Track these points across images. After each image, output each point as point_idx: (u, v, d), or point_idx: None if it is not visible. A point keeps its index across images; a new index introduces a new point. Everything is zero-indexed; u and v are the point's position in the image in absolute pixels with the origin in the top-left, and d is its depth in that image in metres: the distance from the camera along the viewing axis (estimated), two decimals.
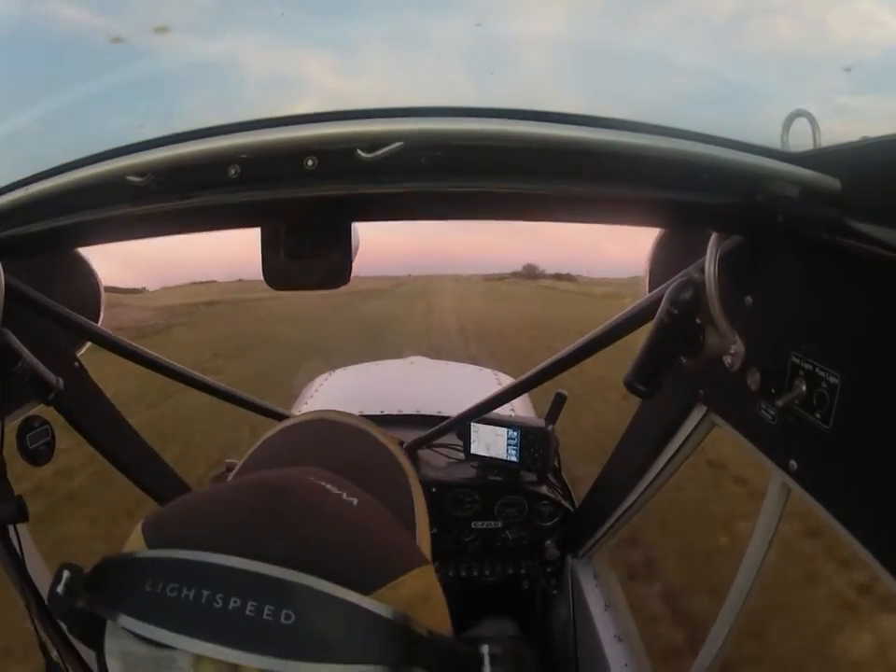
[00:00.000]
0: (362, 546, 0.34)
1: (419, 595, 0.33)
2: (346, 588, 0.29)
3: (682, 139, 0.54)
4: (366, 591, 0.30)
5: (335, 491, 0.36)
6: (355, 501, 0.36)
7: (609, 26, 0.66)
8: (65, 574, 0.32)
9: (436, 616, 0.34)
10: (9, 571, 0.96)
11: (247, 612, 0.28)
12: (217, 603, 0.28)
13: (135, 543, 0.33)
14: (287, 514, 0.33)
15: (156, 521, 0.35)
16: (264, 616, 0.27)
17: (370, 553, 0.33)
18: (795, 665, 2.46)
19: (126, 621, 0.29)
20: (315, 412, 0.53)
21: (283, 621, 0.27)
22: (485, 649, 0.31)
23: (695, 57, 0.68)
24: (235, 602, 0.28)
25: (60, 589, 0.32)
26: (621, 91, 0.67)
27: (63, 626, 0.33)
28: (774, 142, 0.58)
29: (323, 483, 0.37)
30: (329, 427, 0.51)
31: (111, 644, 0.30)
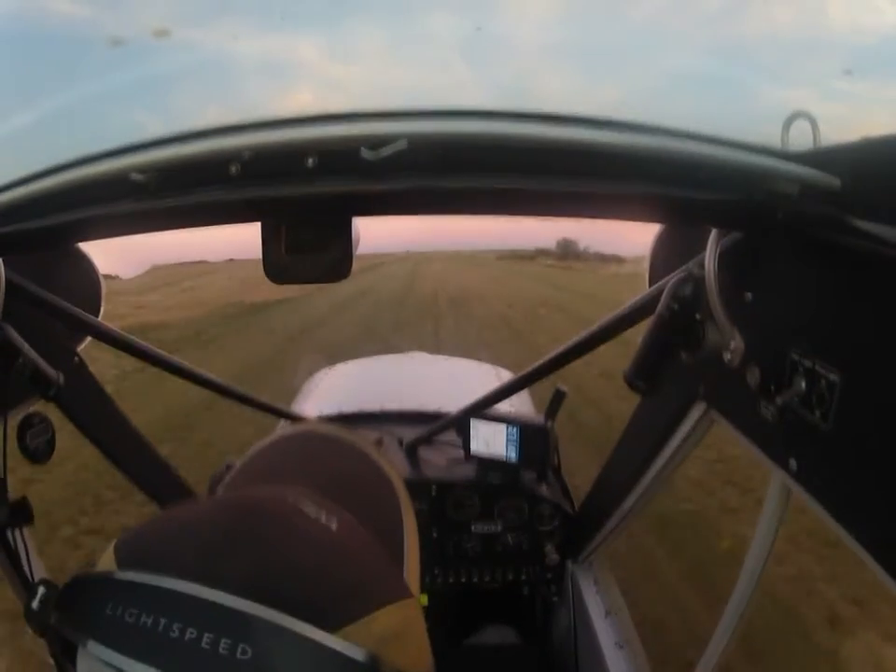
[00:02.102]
0: (334, 576, 0.32)
1: (392, 633, 0.32)
2: (310, 623, 0.28)
3: (683, 139, 0.55)
4: (333, 627, 0.29)
5: (313, 514, 0.35)
6: (334, 525, 0.35)
7: (610, 28, 0.66)
8: (40, 591, 0.32)
9: (412, 653, 0.33)
10: (10, 575, 0.96)
11: (203, 644, 0.27)
12: (174, 632, 0.27)
13: (107, 562, 0.33)
14: (253, 538, 0.33)
15: (128, 540, 0.34)
16: (220, 650, 0.27)
17: (342, 584, 0.32)
18: None
19: (89, 645, 0.29)
20: (309, 423, 0.52)
21: (239, 656, 0.27)
22: None
23: (696, 58, 0.69)
24: (192, 633, 0.27)
25: (35, 605, 0.32)
26: (622, 92, 0.68)
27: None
28: (773, 142, 0.58)
29: (300, 506, 0.36)
30: (319, 442, 0.50)
31: (79, 665, 0.31)
